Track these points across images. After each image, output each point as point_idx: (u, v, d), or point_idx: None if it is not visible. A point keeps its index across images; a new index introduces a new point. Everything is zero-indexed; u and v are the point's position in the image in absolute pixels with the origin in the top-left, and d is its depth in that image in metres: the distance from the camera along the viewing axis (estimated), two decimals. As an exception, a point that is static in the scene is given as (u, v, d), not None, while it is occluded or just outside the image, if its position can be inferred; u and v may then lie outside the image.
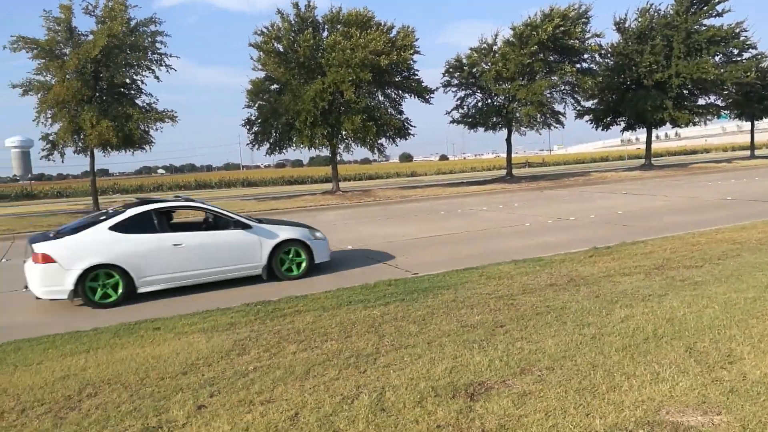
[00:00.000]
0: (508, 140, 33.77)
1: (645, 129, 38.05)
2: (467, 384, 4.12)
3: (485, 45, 31.54)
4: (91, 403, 4.28)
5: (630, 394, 3.75)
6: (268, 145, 27.46)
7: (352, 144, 27.33)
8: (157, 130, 24.17)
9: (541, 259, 8.94)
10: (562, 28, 28.55)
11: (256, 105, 26.86)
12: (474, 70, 31.40)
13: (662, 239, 10.10)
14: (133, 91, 24.15)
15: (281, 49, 25.41)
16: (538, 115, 30.80)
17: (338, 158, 29.66)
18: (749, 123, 46.41)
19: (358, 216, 19.26)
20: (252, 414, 3.87)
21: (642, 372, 4.11)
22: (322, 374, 4.56)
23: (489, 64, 30.68)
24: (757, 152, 49.03)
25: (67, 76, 21.71)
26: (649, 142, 39.41)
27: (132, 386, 4.58)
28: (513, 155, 36.64)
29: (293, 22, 25.80)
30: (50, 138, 23.07)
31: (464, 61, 31.59)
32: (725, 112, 41.70)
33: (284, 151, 28.05)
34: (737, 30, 33.03)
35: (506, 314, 5.91)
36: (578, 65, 31.30)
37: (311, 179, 53.54)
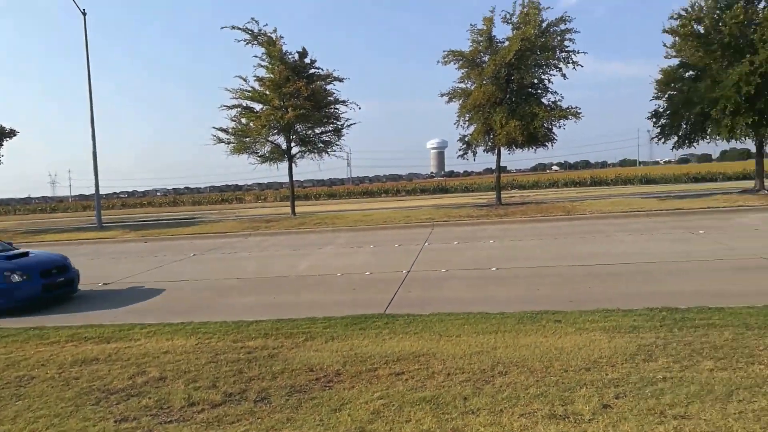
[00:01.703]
0: None
1: None
2: None
3: None
4: (503, 381, 4.66)
5: None
6: (675, 138, 25.14)
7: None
8: (560, 127, 24.69)
9: None
10: None
11: (666, 95, 24.87)
12: None
13: None
14: (539, 91, 25.17)
15: (701, 31, 22.77)
16: None
17: (765, 151, 25.05)
18: None
19: (789, 221, 15.94)
20: (664, 426, 3.60)
21: None
22: (749, 401, 3.94)
23: None
24: None
25: (483, 82, 24.12)
26: None
27: (537, 372, 4.80)
28: None
29: (719, -3, 22.75)
30: (466, 139, 26.07)
31: None
32: None
33: (694, 144, 25.21)
34: None
35: None
36: None
37: (722, 176, 46.88)
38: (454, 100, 25.47)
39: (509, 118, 23.03)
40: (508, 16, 24.18)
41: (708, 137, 24.01)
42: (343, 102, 26.35)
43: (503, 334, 6.06)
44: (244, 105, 25.92)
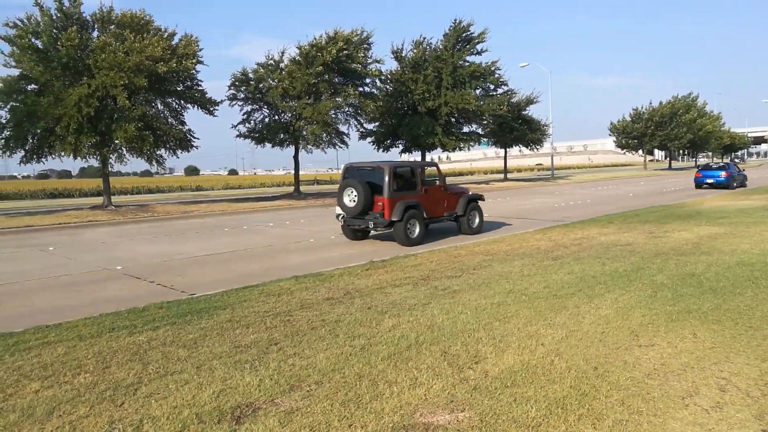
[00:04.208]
0: (296, 157, 34.21)
1: (420, 151, 41.56)
2: (234, 407, 3.99)
3: (272, 61, 31.63)
4: None
5: (390, 401, 3.97)
6: (23, 153, 23.94)
7: (127, 154, 25.22)
8: None
9: (321, 273, 9.13)
10: (345, 52, 29.88)
11: (8, 106, 23.28)
12: (261, 85, 31.25)
13: (429, 252, 11.04)
14: None
15: (40, 46, 22.44)
16: (324, 134, 31.76)
17: (112, 169, 27.08)
18: (503, 150, 53.47)
19: (132, 233, 17.74)
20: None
21: (403, 378, 4.39)
22: (70, 413, 4.04)
23: (276, 80, 30.78)
24: (509, 176, 56.65)
25: None
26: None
27: None
28: (304, 172, 37.20)
29: (56, 17, 23.01)
30: None
31: (251, 75, 31.29)
32: (485, 139, 47.52)
33: (43, 159, 24.68)
34: (492, 68, 37.99)
35: (281, 331, 5.89)
36: (361, 89, 32.99)
37: (80, 192, 48.03)
38: None
39: None
40: None
41: (55, 153, 24.03)
42: None
43: None
44: None
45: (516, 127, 46.77)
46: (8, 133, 23.38)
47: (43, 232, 18.42)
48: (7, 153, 23.62)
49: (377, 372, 4.55)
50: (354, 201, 12.80)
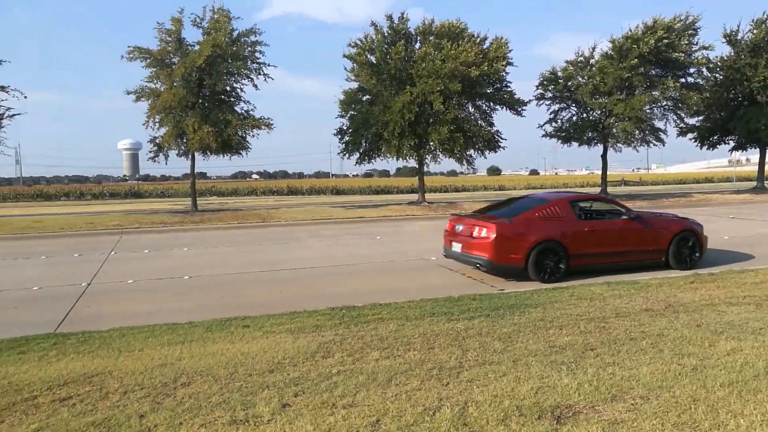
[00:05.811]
0: (604, 156, 32.48)
1: (758, 149, 35.32)
2: (554, 406, 3.96)
3: (582, 58, 30.57)
4: (185, 392, 4.49)
5: (736, 434, 3.46)
6: (358, 155, 27.98)
7: (440, 155, 27.32)
8: (253, 136, 25.25)
9: (636, 282, 8.48)
10: (665, 41, 27.15)
11: (348, 115, 27.47)
12: (569, 83, 30.50)
13: (775, 268, 9.30)
14: (232, 99, 25.32)
15: (374, 61, 25.87)
16: (637, 132, 29.40)
17: (425, 169, 29.70)
18: None
19: (443, 228, 19.08)
20: (334, 416, 3.91)
21: (751, 411, 3.78)
22: (404, 383, 4.54)
23: (585, 77, 29.68)
24: None
25: (174, 84, 23.18)
26: (762, 163, 36.47)
27: (222, 379, 4.77)
28: (608, 173, 35.14)
29: (386, 34, 26.23)
30: (157, 141, 24.69)
31: (559, 73, 30.76)
32: None
33: (373, 160, 28.50)
34: None
35: (597, 337, 5.64)
36: (682, 80, 29.59)
37: (397, 189, 53.98)
38: (142, 99, 23.94)
39: (202, 123, 22.67)
40: (198, 19, 23.87)
41: (382, 155, 27.41)
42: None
43: (190, 343, 5.87)
44: None
45: None
46: (348, 138, 27.58)
47: (370, 223, 21.21)
48: (346, 155, 27.93)
49: (716, 398, 4.01)
50: None
